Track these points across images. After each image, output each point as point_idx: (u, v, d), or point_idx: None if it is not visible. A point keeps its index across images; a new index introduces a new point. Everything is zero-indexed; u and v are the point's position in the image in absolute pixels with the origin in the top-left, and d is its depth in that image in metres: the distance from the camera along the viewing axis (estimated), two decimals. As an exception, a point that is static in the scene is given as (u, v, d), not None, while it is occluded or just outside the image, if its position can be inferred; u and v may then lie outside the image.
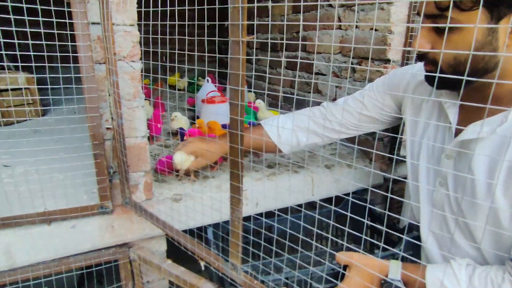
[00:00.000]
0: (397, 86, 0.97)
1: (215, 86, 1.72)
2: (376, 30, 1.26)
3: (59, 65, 0.88)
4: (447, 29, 0.62)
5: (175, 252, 1.03)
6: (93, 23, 0.87)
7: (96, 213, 0.97)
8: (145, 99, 1.58)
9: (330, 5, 1.49)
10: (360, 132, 1.10)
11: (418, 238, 0.97)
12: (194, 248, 0.83)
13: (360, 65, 1.36)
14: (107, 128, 0.96)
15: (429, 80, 0.75)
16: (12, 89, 1.75)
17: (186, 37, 0.78)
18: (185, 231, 1.04)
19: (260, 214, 1.16)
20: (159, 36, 0.92)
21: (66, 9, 0.81)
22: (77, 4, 0.81)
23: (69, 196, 0.99)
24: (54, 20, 0.76)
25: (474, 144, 0.71)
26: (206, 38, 0.76)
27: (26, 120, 1.77)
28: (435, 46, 0.69)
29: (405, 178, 1.34)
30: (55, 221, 0.94)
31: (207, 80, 1.72)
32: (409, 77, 0.93)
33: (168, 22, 0.83)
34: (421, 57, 0.73)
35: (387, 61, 1.24)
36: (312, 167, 1.31)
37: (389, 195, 0.51)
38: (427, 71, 0.74)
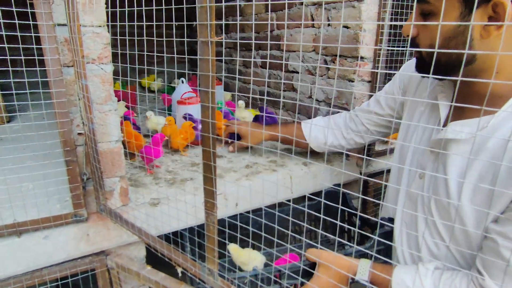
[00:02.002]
0: (408, 78, 0.96)
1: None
2: (347, 27, 1.28)
3: (24, 69, 0.83)
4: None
5: (156, 257, 1.01)
6: (59, 25, 0.83)
7: (70, 222, 0.93)
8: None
9: (302, 3, 1.50)
10: (380, 135, 1.13)
11: (391, 233, 0.98)
12: (170, 254, 0.81)
13: (333, 62, 1.38)
14: (79, 134, 0.92)
15: (416, 67, 0.76)
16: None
17: (155, 38, 0.77)
18: (167, 236, 1.03)
19: (241, 214, 1.15)
20: (123, 38, 0.89)
21: (29, 10, 0.77)
22: (41, 4, 0.78)
23: (41, 206, 0.94)
24: (17, 21, 0.72)
25: (452, 144, 0.71)
26: (174, 39, 0.75)
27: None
28: (420, 31, 0.70)
29: (382, 172, 1.38)
30: (26, 233, 0.90)
31: (182, 81, 1.69)
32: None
33: (135, 23, 0.81)
34: (411, 43, 0.73)
35: (360, 58, 1.26)
36: (290, 165, 1.31)
37: (360, 196, 0.52)
38: (416, 58, 0.75)
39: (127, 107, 1.75)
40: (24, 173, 1.03)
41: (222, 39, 0.56)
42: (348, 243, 1.27)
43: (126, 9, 0.79)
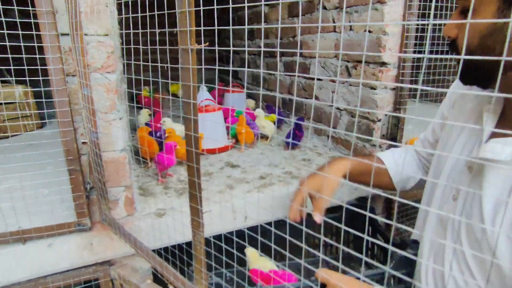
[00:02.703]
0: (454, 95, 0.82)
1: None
2: (370, 31, 1.20)
3: (53, 78, 0.84)
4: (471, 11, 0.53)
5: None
6: (63, 34, 0.84)
7: (73, 231, 0.93)
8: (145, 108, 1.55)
9: (325, 8, 1.43)
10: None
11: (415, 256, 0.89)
12: (162, 270, 0.78)
13: (355, 68, 1.30)
14: (83, 143, 0.92)
15: (459, 75, 0.66)
16: (9, 103, 1.75)
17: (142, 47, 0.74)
18: (173, 246, 1.00)
19: (250, 228, 1.10)
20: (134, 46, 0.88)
21: (32, 20, 0.78)
22: (44, 15, 0.78)
23: (49, 213, 0.95)
24: (34, 33, 0.74)
25: (491, 165, 0.60)
26: (168, 47, 0.71)
27: (21, 133, 1.77)
28: (461, 31, 0.61)
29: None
30: (30, 240, 0.91)
31: (202, 89, 1.68)
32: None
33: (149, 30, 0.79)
34: (451, 46, 0.64)
35: (383, 64, 1.17)
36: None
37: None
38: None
39: (150, 114, 1.76)
40: (41, 179, 1.05)
41: (207, 45, 0.52)
42: (371, 261, 1.18)
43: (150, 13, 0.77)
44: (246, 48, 0.49)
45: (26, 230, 0.89)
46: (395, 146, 1.22)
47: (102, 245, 0.97)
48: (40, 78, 0.81)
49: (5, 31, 0.74)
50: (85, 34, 0.83)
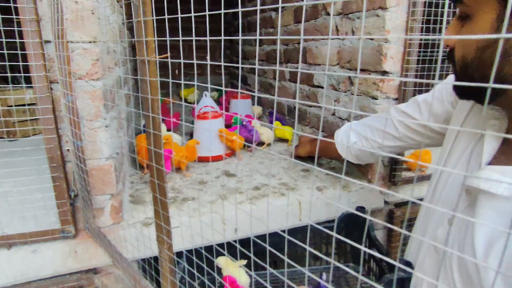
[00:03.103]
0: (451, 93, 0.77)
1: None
2: (371, 39, 1.14)
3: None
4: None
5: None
6: (47, 41, 0.84)
7: (57, 238, 0.93)
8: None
9: (328, 14, 1.39)
10: (407, 144, 0.95)
11: (408, 280, 0.83)
12: (135, 284, 0.75)
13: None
14: (68, 150, 0.92)
15: (454, 87, 0.60)
16: (21, 105, 1.79)
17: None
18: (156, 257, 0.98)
19: (239, 241, 1.07)
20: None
21: (16, 28, 0.78)
22: (27, 22, 0.78)
23: (34, 219, 0.95)
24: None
25: (486, 195, 0.53)
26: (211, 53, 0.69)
27: (30, 136, 1.81)
28: (458, 40, 0.55)
29: (407, 202, 1.20)
30: (15, 245, 0.91)
31: (205, 95, 1.67)
32: None
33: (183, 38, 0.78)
34: (448, 56, 0.58)
35: (384, 72, 1.12)
36: (302, 189, 1.20)
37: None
38: (454, 75, 0.59)
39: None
40: (30, 185, 1.06)
41: (166, 57, 0.49)
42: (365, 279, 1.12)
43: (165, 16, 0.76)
44: (209, 62, 0.47)
45: (11, 235, 0.89)
46: (396, 159, 1.16)
47: (87, 253, 0.96)
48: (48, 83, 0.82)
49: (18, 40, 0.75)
50: (70, 42, 0.83)
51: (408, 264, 0.84)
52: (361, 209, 1.24)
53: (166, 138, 1.29)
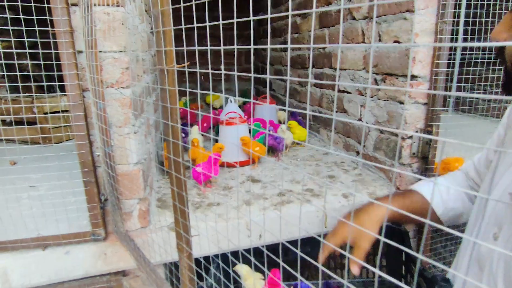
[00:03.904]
0: None
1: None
2: (399, 42, 1.12)
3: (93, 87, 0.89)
4: None
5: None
6: (80, 52, 0.88)
7: (88, 240, 0.96)
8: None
9: (354, 18, 1.37)
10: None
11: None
12: (159, 288, 0.77)
13: (384, 81, 1.22)
14: (99, 155, 0.95)
15: (502, 87, 0.59)
16: (55, 112, 1.88)
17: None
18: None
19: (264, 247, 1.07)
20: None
21: (51, 40, 0.83)
22: (62, 34, 0.82)
23: (67, 221, 0.99)
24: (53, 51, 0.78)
25: None
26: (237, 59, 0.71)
27: (64, 141, 1.89)
28: (510, 36, 0.53)
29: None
30: (49, 247, 0.95)
31: (230, 101, 1.68)
32: None
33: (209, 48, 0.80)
34: (498, 53, 0.56)
35: (413, 77, 1.09)
36: (328, 195, 1.18)
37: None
38: (504, 75, 0.58)
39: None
40: (63, 189, 1.11)
41: (184, 66, 0.50)
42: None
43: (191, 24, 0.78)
44: (232, 74, 0.47)
45: (46, 237, 0.93)
46: (425, 165, 1.13)
47: (116, 256, 0.99)
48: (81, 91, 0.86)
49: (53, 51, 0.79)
50: (100, 51, 0.87)
51: (446, 280, 0.81)
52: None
53: (195, 142, 1.32)
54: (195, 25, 0.45)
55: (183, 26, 0.44)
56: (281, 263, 0.50)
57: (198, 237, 1.01)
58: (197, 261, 0.96)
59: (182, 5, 0.40)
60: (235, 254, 1.04)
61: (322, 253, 0.81)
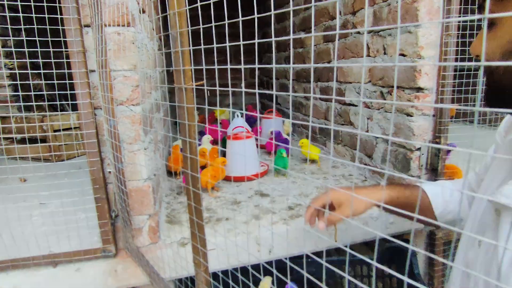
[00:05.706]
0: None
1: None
2: (404, 55, 1.13)
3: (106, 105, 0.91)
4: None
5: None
6: (92, 71, 0.90)
7: (99, 257, 0.97)
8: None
9: (358, 32, 1.39)
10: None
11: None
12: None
13: (390, 94, 1.23)
14: (110, 172, 0.96)
15: (485, 98, 0.58)
16: (67, 129, 1.91)
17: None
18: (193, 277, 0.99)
19: (271, 262, 1.06)
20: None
21: (65, 60, 0.85)
22: (75, 54, 0.85)
23: (78, 238, 1.00)
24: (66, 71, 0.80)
25: (508, 212, 0.52)
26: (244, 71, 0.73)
27: (75, 157, 1.92)
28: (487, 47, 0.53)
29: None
30: (60, 264, 0.95)
31: (237, 115, 1.70)
32: None
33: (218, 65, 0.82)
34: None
35: (419, 89, 1.09)
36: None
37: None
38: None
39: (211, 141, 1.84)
40: (73, 206, 1.12)
41: (202, 84, 0.52)
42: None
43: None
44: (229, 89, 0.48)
45: (57, 254, 0.94)
46: (434, 176, 1.12)
47: (127, 272, 0.99)
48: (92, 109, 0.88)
49: (66, 71, 0.81)
50: (111, 70, 0.89)
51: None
52: (397, 237, 1.19)
53: (203, 152, 1.34)
54: (206, 46, 0.46)
55: (202, 47, 0.45)
56: (306, 274, 0.49)
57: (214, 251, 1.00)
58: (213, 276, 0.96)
59: (201, 26, 0.42)
60: (244, 270, 1.03)
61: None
